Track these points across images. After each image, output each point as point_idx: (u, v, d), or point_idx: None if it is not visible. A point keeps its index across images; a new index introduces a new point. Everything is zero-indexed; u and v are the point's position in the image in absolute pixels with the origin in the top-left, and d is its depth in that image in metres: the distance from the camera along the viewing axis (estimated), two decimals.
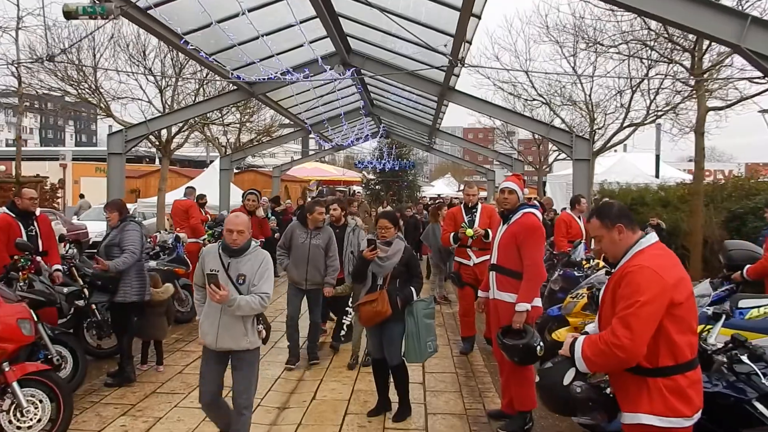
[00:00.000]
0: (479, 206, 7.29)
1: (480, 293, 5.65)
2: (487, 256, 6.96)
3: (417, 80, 10.62)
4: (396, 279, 5.34)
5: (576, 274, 7.22)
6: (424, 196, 31.64)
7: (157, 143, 16.13)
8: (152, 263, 8.25)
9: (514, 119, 11.07)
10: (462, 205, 7.44)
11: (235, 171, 30.98)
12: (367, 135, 19.96)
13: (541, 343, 4.93)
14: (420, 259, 13.87)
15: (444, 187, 49.60)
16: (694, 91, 10.79)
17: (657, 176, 21.11)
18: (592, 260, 8.09)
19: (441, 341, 8.33)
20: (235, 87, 10.79)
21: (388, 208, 16.50)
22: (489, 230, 6.90)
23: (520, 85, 17.54)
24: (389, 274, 5.34)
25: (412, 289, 5.36)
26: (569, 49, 16.49)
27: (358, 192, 27.01)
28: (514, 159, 16.46)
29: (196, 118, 18.40)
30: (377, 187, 31.09)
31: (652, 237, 3.13)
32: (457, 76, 9.65)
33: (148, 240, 8.62)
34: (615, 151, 21.10)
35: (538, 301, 5.15)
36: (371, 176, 31.97)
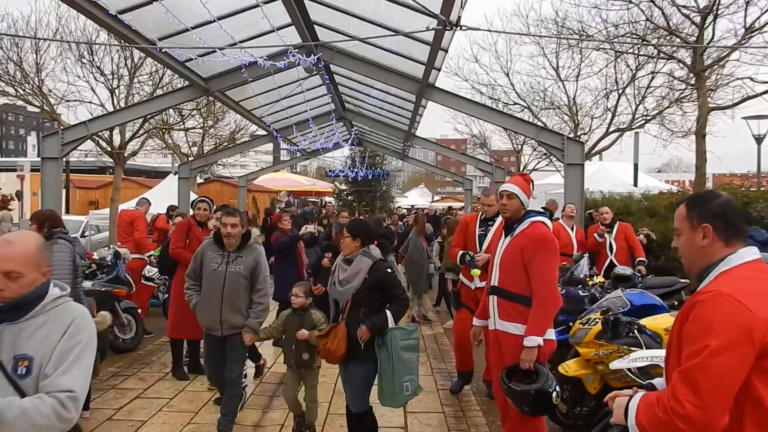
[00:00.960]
0: (497, 220, 5.94)
1: (475, 321, 4.59)
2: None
3: (393, 76, 9.57)
4: (360, 307, 4.23)
5: (580, 293, 6.20)
6: (399, 207, 30.70)
7: (109, 149, 14.86)
8: (87, 284, 7.03)
9: (501, 120, 10.03)
10: (479, 216, 6.22)
11: (200, 181, 29.79)
12: (339, 142, 18.89)
13: (557, 389, 3.90)
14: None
15: (418, 198, 48.98)
16: (694, 90, 9.99)
17: (636, 185, 20.60)
18: (595, 276, 7.11)
19: (422, 370, 7.26)
20: (189, 83, 9.61)
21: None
22: None
23: (500, 88, 16.72)
24: (349, 301, 4.27)
25: (387, 313, 4.18)
26: (552, 49, 15.78)
27: (329, 202, 25.89)
28: (494, 167, 15.49)
29: (152, 122, 17.21)
30: (349, 197, 30.03)
31: (751, 252, 2.11)
32: (446, 51, 8.48)
33: (83, 260, 7.39)
34: (590, 160, 20.65)
35: (552, 333, 4.11)
36: (343, 186, 30.95)
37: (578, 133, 15.53)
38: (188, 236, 6.88)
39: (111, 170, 37.53)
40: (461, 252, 6.06)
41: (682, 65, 9.68)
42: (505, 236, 4.29)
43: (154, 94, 14.99)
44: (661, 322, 5.10)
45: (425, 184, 62.13)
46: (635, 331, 4.88)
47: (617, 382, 4.96)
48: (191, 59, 8.47)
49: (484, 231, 6.03)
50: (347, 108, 15.52)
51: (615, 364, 4.48)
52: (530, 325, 3.94)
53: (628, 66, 14.59)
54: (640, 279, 7.76)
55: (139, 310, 8.81)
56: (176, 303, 6.51)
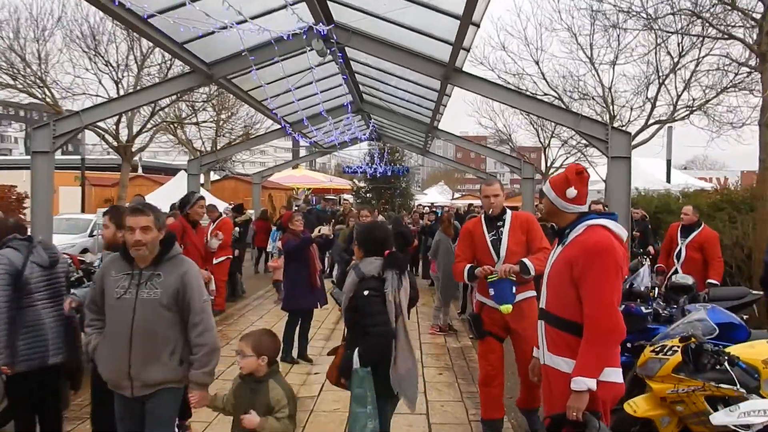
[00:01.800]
0: (508, 216, 4.89)
1: (535, 352, 3.60)
2: (528, 293, 4.92)
3: (416, 60, 8.56)
4: (350, 330, 3.71)
5: (643, 310, 5.15)
6: (420, 204, 29.70)
7: (116, 144, 14.08)
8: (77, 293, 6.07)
9: (536, 108, 8.89)
10: (482, 216, 4.97)
11: (215, 179, 29.09)
12: (356, 137, 17.94)
13: None
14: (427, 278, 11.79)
15: (437, 195, 48.15)
16: (749, 75, 8.88)
17: (668, 182, 19.46)
18: (656, 289, 6.03)
19: (450, 394, 6.29)
20: (190, 69, 8.71)
21: (380, 217, 14.46)
22: (529, 264, 4.67)
23: (529, 78, 15.61)
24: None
25: (353, 354, 3.49)
26: (586, 33, 14.67)
27: (345, 200, 24.97)
28: (522, 162, 14.39)
29: (161, 115, 16.41)
30: (368, 195, 29.09)
31: None
32: (477, 25, 7.46)
33: (69, 263, 6.48)
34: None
35: (616, 374, 3.13)
36: (362, 183, 30.06)
37: (614, 126, 14.36)
38: (182, 242, 5.99)
39: (132, 168, 37.41)
40: (468, 266, 4.90)
41: (744, 45, 8.55)
42: (557, 245, 3.37)
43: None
44: (757, 352, 4.07)
45: (445, 182, 61.18)
46: (725, 363, 3.87)
47: (701, 427, 3.95)
48: (190, 40, 7.56)
49: (496, 235, 4.82)
50: (365, 99, 14.54)
51: (718, 419, 3.45)
52: (579, 363, 3.02)
53: (669, 54, 13.48)
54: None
55: None
56: None
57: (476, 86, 8.62)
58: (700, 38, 11.98)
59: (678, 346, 4.09)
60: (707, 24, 9.44)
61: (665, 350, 4.21)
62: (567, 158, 22.82)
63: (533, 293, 4.84)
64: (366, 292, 3.47)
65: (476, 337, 4.89)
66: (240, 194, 25.43)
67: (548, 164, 22.82)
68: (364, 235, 3.73)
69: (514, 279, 4.65)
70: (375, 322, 3.42)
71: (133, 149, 14.76)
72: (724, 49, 11.05)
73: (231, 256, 10.59)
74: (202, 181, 23.14)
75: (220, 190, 25.43)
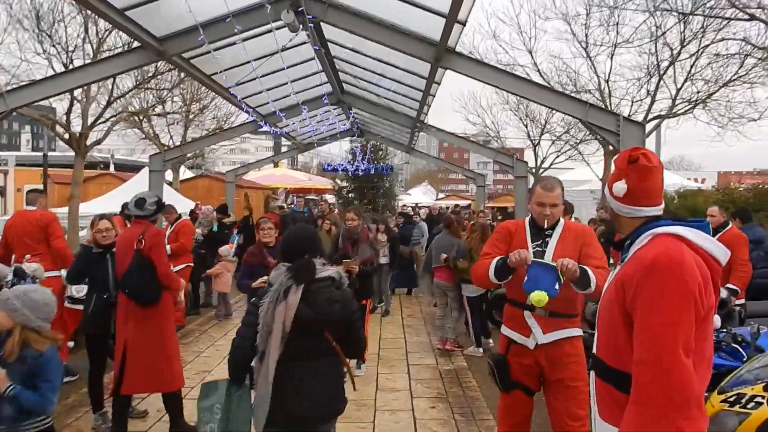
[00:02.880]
0: (559, 226, 3.71)
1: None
2: (573, 331, 3.62)
3: (403, 38, 7.42)
4: None
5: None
6: (405, 205, 28.66)
7: (67, 137, 12.77)
8: None
9: (540, 95, 7.64)
10: (527, 221, 3.81)
11: (186, 177, 27.73)
12: (337, 131, 16.81)
13: None
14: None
15: (422, 195, 47.45)
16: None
17: None
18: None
19: None
20: (139, 44, 7.49)
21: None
22: (591, 275, 3.42)
23: (521, 69, 14.57)
24: None
25: None
26: (581, 21, 13.72)
27: (324, 200, 23.74)
28: (515, 159, 13.33)
29: (120, 103, 15.11)
30: (350, 195, 28.02)
31: None
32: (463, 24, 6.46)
33: None
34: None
35: None
36: (344, 183, 28.97)
37: None
38: None
39: (102, 165, 35.97)
40: (497, 258, 3.64)
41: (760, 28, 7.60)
42: (618, 265, 2.34)
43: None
44: None
45: (429, 182, 60.43)
46: None
47: None
48: (132, 7, 6.35)
49: (541, 245, 3.64)
50: (345, 90, 13.37)
51: None
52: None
53: (667, 44, 12.55)
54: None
55: (70, 344, 6.79)
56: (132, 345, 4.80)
57: (473, 70, 7.46)
58: (702, 27, 11.07)
59: (763, 397, 3.03)
60: (717, 6, 8.47)
61: (744, 401, 3.15)
62: (557, 156, 21.98)
63: (579, 332, 3.67)
64: (252, 300, 3.17)
65: (501, 389, 3.69)
66: (214, 193, 23.99)
67: (538, 163, 21.91)
68: (285, 238, 3.40)
69: (562, 277, 3.34)
70: (236, 333, 3.13)
71: (88, 142, 13.37)
72: (740, 33, 10.15)
73: (191, 264, 9.39)
74: (170, 178, 21.94)
75: (192, 189, 23.96)
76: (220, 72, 9.00)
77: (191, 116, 21.33)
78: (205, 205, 14.43)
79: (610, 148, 13.82)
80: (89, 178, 27.51)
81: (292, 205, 18.35)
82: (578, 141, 19.29)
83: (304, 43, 9.30)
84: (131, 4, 6.23)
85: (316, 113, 13.33)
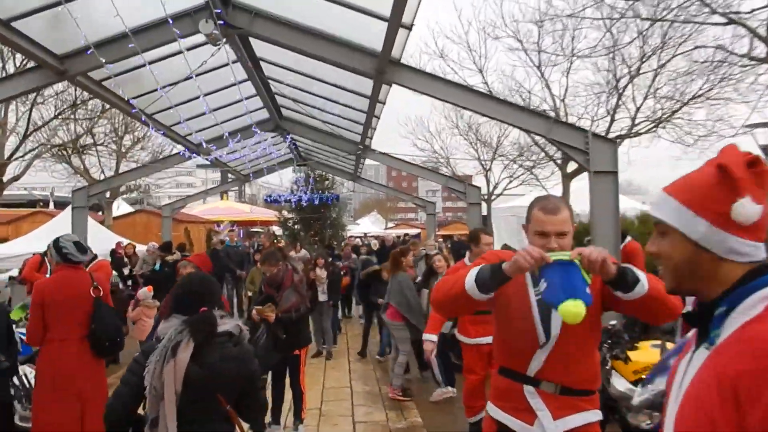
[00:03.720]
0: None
1: None
2: (588, 415, 2.59)
3: (342, 49, 6.57)
4: None
5: None
6: (351, 236, 27.77)
7: None
8: None
9: (499, 110, 6.81)
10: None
11: (123, 212, 26.24)
12: (277, 161, 15.93)
13: None
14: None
15: (370, 225, 46.92)
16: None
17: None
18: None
19: None
20: (36, 63, 6.42)
21: (302, 252, 12.45)
22: (640, 273, 2.36)
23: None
24: None
25: None
26: (533, 41, 13.29)
27: (267, 232, 22.70)
28: (467, 185, 12.65)
29: (40, 134, 13.88)
30: (296, 226, 26.89)
31: None
32: (410, 29, 5.69)
33: None
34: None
35: None
36: (289, 214, 27.96)
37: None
38: None
39: (41, 203, 33.99)
40: (484, 264, 2.49)
41: (750, 34, 7.11)
42: (695, 345, 1.39)
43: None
44: None
45: (378, 211, 59.86)
46: None
47: None
48: (20, 17, 5.33)
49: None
50: (284, 116, 12.45)
51: None
52: None
53: (624, 61, 12.20)
54: None
55: None
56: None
57: (421, 84, 6.65)
58: (663, 41, 10.71)
59: None
60: (687, 11, 8.00)
61: None
62: (510, 181, 21.60)
63: (599, 415, 2.65)
64: (136, 356, 2.82)
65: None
66: (153, 230, 22.94)
67: (490, 189, 21.48)
68: (179, 286, 3.11)
69: (588, 277, 2.25)
70: (112, 393, 2.80)
71: (5, 178, 12.08)
72: (711, 41, 9.78)
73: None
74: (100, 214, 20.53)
75: (131, 226, 22.61)
76: (138, 97, 7.99)
77: (123, 150, 20.09)
78: (147, 243, 13.40)
79: (568, 171, 13.47)
80: (22, 217, 25.86)
81: (230, 241, 17.26)
82: (533, 164, 18.90)
83: (235, 62, 8.36)
84: (18, 14, 5.19)
85: (248, 143, 12.34)
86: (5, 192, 14.66)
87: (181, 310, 2.84)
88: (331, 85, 9.11)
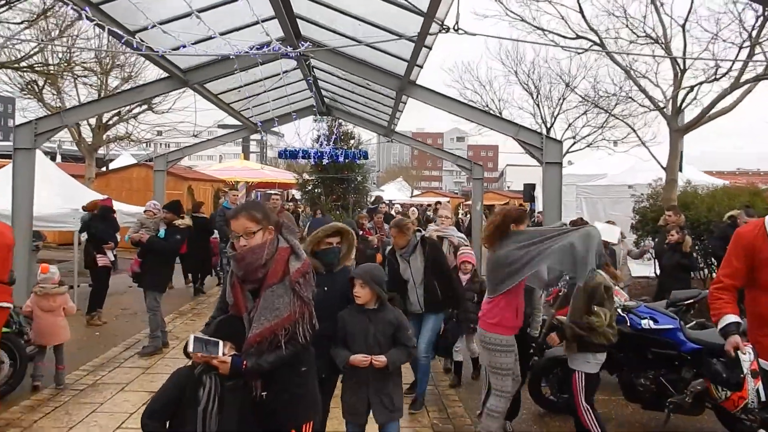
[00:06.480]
0: None
1: None
2: None
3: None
4: None
5: None
6: (385, 203, 28.09)
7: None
8: None
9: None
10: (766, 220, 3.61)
11: (123, 165, 26.47)
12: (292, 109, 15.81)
13: None
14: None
15: (396, 192, 49.69)
16: None
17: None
18: None
19: None
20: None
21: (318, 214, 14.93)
22: None
23: (550, 16, 15.26)
24: None
25: None
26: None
27: (275, 195, 18.95)
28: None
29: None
30: (317, 190, 26.01)
31: None
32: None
33: None
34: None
35: None
36: (310, 177, 26.88)
37: (679, 87, 13.31)
38: None
39: (51, 156, 36.38)
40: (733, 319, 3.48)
41: None
42: None
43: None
44: None
45: (403, 178, 62.73)
46: None
47: None
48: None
49: None
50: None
51: None
52: None
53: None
54: None
55: None
56: None
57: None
58: None
59: None
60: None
61: None
62: (573, 143, 22.89)
63: None
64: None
65: None
66: (150, 186, 19.30)
67: (499, 164, 24.52)
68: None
69: None
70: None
71: None
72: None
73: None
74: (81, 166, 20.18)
75: (127, 181, 22.71)
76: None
77: (109, 90, 17.90)
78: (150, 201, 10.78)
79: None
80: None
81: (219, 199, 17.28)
82: (606, 117, 19.30)
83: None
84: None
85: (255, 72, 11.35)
86: None
87: None
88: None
